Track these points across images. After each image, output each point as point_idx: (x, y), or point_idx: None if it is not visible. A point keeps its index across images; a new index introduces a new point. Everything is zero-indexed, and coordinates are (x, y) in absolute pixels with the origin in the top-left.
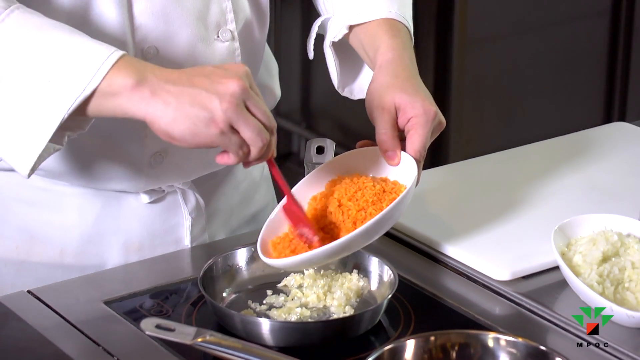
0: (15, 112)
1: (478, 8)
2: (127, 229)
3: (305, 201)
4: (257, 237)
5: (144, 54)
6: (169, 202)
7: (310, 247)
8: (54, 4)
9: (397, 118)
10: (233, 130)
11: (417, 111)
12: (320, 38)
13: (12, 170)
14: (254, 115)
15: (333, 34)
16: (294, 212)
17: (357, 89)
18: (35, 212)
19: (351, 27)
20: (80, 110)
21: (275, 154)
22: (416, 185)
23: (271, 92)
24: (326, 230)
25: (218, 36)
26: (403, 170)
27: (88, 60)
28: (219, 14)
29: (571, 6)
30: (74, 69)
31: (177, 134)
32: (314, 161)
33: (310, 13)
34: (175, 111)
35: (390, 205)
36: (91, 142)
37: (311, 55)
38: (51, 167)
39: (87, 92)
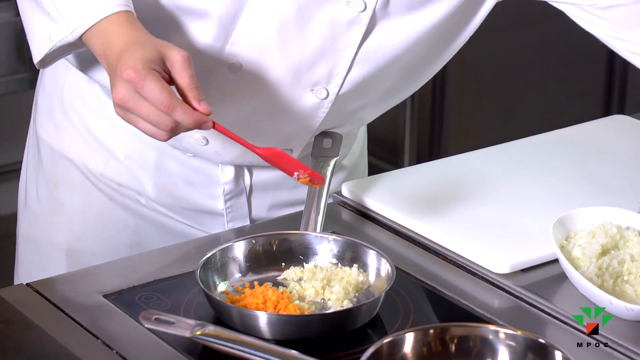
0: (25, 18)
1: None
2: (167, 167)
3: None
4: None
5: (230, 67)
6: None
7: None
8: None
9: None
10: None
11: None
12: None
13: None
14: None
15: None
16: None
17: None
18: (95, 118)
19: None
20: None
21: (211, 126)
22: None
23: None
24: None
25: (312, 90)
26: None
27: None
28: (326, 75)
29: None
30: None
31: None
32: (322, 154)
33: None
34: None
35: None
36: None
37: None
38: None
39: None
